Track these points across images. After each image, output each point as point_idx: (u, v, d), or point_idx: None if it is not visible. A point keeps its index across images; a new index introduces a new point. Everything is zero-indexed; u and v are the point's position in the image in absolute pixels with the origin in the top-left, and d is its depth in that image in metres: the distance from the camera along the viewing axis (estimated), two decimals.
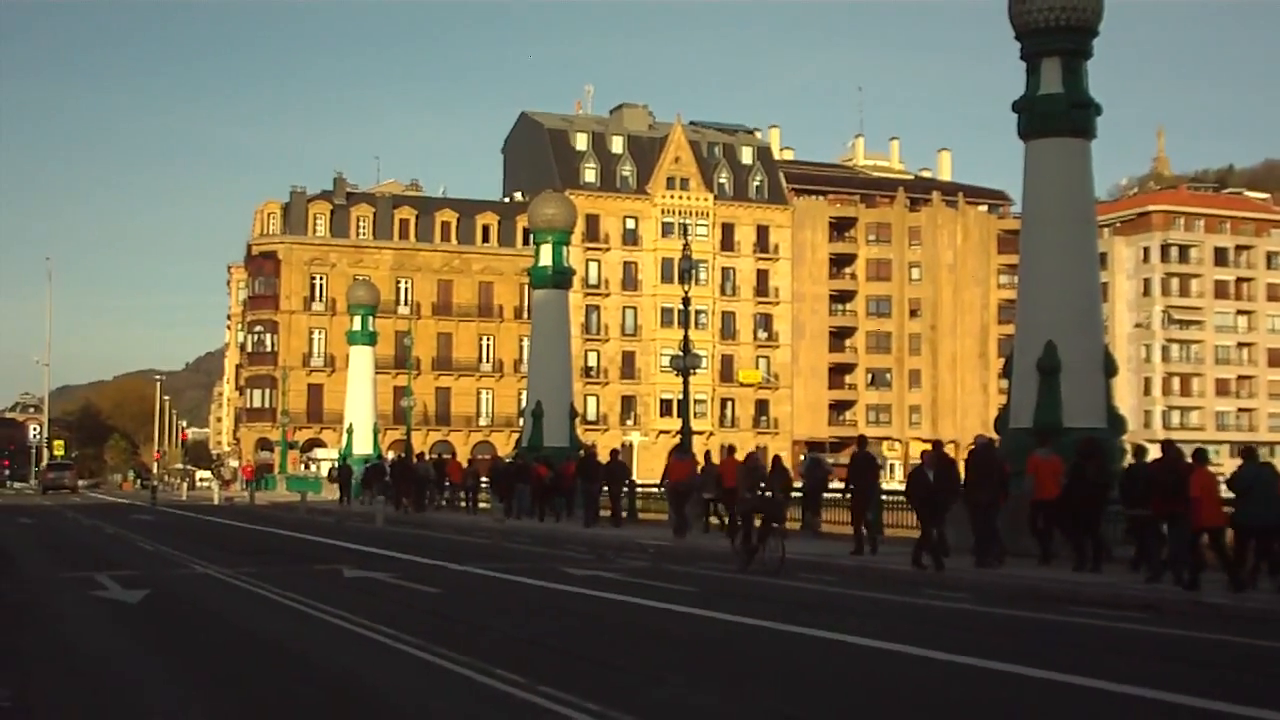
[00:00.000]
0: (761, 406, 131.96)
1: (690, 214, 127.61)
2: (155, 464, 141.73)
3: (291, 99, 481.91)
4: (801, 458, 37.66)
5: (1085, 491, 23.69)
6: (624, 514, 40.89)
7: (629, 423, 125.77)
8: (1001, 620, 18.39)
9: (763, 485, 27.06)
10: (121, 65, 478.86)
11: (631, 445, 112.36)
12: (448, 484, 55.04)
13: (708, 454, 38.23)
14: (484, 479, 52.74)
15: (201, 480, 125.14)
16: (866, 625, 17.10)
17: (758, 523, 26.04)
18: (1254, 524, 20.19)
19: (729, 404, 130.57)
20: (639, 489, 47.07)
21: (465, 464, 58.07)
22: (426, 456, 64.78)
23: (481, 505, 50.90)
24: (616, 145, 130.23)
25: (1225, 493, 21.27)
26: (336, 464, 74.99)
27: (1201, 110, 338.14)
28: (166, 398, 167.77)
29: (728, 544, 28.05)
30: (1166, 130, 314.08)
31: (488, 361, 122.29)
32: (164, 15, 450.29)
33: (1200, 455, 21.49)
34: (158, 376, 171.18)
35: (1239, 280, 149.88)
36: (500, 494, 46.42)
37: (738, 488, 25.01)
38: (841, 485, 31.35)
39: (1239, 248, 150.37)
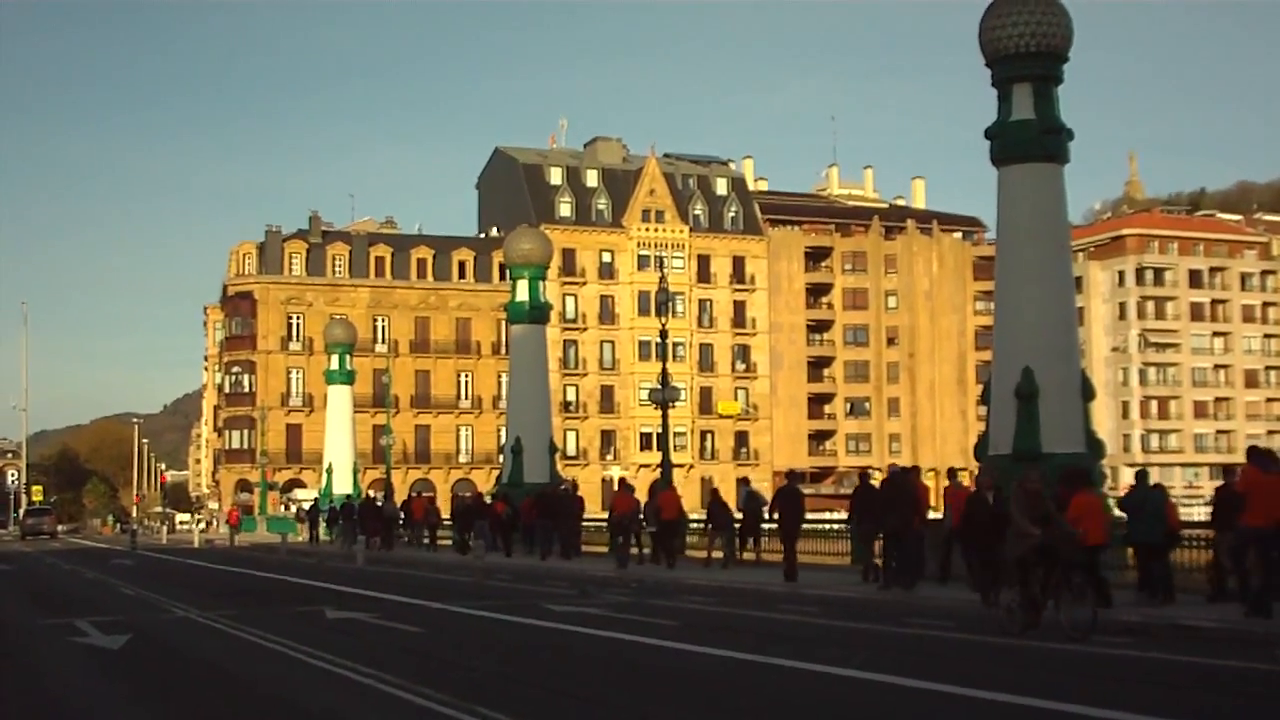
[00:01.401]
0: (741, 438, 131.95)
1: (666, 246, 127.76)
2: (134, 507, 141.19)
3: (265, 138, 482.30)
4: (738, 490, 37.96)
5: (986, 518, 23.80)
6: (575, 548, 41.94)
7: (609, 457, 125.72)
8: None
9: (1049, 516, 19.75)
10: (96, 107, 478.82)
11: (612, 480, 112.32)
12: (414, 522, 56.54)
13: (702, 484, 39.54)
14: (445, 518, 55.67)
15: (181, 523, 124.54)
16: (850, 657, 17.06)
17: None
18: (1144, 541, 22.13)
19: (709, 436, 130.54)
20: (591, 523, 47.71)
21: (428, 503, 60.04)
22: (409, 495, 65.86)
23: (443, 542, 53.30)
24: (591, 179, 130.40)
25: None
26: (303, 505, 77.05)
27: (1173, 133, 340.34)
28: (144, 441, 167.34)
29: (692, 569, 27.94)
30: (1139, 154, 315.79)
31: (466, 398, 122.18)
32: (137, 58, 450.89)
33: (1086, 477, 23.38)
34: (135, 419, 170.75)
35: (1214, 302, 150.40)
36: (461, 530, 49.33)
37: (1014, 519, 19.52)
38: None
39: (1213, 269, 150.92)
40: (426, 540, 54.25)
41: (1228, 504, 21.14)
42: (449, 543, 52.63)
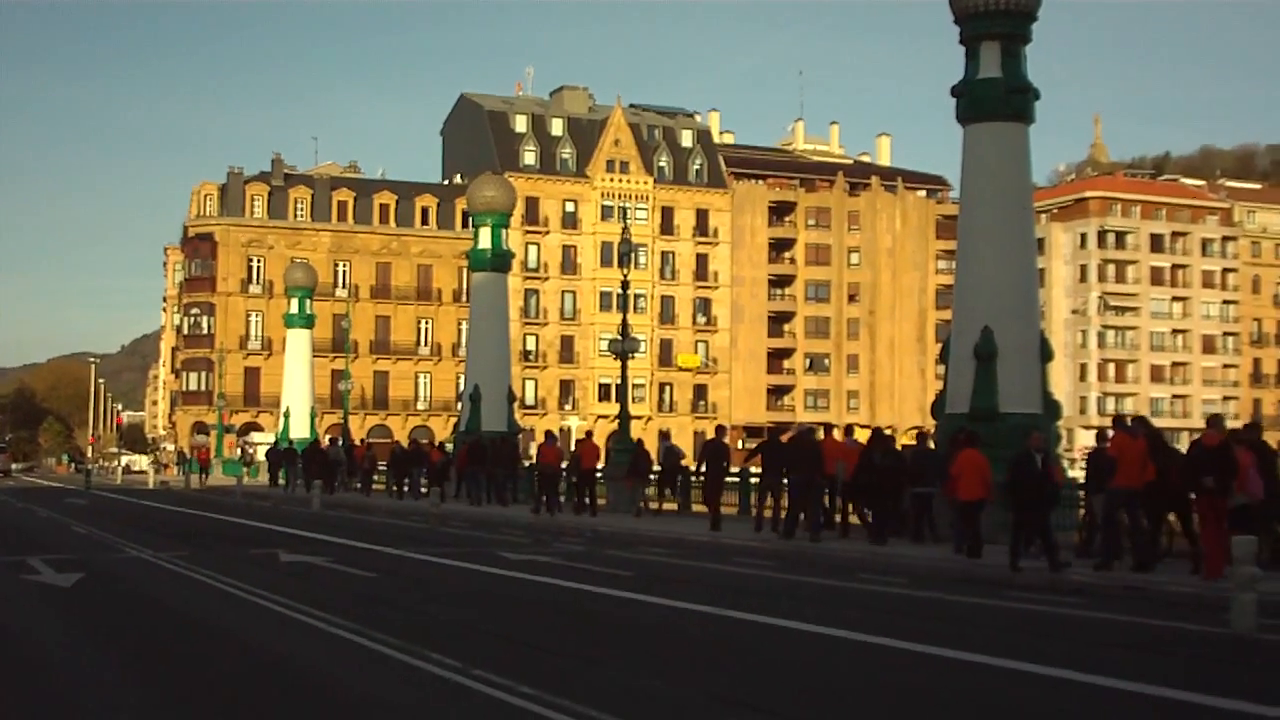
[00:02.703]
0: (700, 391, 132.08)
1: (630, 197, 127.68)
2: (90, 447, 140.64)
3: (229, 79, 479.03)
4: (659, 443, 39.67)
5: (872, 474, 27.05)
6: (512, 497, 43.44)
7: (568, 407, 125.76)
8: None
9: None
10: (55, 45, 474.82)
11: (570, 430, 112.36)
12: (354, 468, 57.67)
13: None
14: (381, 463, 56.94)
15: (136, 469, 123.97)
16: (804, 610, 17.13)
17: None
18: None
19: (668, 388, 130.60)
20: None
21: (366, 448, 61.37)
22: (357, 441, 66.39)
23: (376, 488, 55.18)
24: (556, 128, 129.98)
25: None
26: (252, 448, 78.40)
27: (1138, 97, 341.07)
28: (101, 381, 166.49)
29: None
30: (1104, 117, 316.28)
31: (426, 345, 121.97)
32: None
33: (970, 437, 24.78)
34: (92, 359, 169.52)
35: (1174, 267, 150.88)
36: (396, 477, 51.32)
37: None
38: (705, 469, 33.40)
39: (1174, 234, 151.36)
40: (359, 486, 55.65)
41: (1099, 467, 22.45)
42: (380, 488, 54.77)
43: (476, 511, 40.22)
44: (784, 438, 29.73)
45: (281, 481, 62.31)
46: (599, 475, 40.51)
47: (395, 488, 51.32)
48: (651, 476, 38.98)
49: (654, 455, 39.56)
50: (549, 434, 42.47)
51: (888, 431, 37.53)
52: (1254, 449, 20.69)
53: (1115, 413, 34.27)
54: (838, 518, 28.85)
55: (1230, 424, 22.87)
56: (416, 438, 57.26)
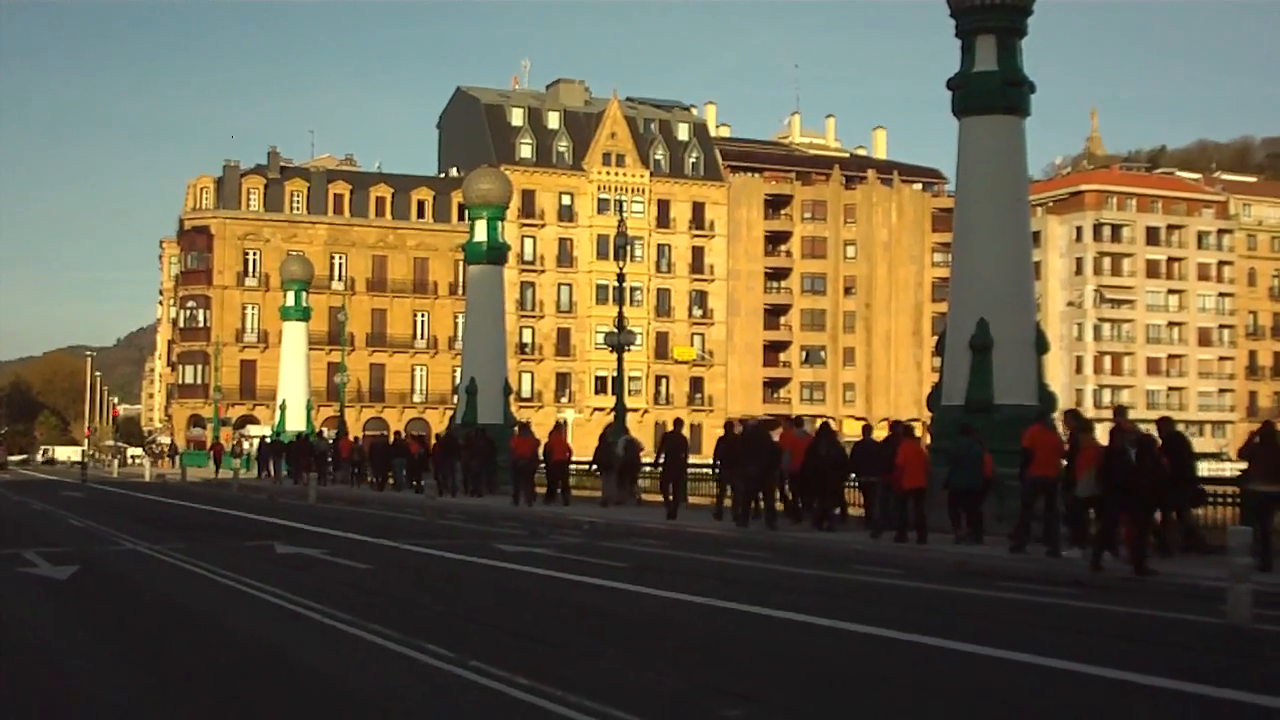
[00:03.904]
0: (696, 383, 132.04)
1: (626, 190, 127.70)
2: (86, 440, 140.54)
3: (225, 72, 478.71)
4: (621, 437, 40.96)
5: (818, 465, 28.02)
6: (486, 488, 44.36)
7: (564, 399, 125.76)
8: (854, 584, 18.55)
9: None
10: (51, 39, 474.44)
11: (566, 422, 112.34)
12: (341, 461, 58.93)
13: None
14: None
15: (134, 457, 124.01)
16: (798, 601, 17.14)
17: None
18: (960, 487, 24.52)
19: (664, 381, 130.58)
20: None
21: (354, 441, 63.16)
22: (338, 435, 67.09)
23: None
24: (553, 121, 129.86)
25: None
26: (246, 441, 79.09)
27: (1134, 91, 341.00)
28: (98, 374, 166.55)
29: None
30: (1100, 110, 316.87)
31: (422, 338, 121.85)
32: None
33: (909, 430, 26.66)
34: (88, 352, 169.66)
35: (1170, 260, 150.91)
36: (377, 469, 52.94)
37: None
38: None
39: (1170, 227, 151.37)
40: (352, 475, 56.50)
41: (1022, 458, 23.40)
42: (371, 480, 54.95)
43: (473, 504, 40.36)
44: (737, 431, 30.76)
45: (269, 473, 63.42)
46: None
47: (377, 479, 52.75)
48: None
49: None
50: (523, 426, 44.12)
51: (880, 424, 38.02)
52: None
53: (1115, 404, 34.27)
54: (781, 506, 29.88)
55: (1225, 416, 23.36)
56: (414, 431, 58.62)
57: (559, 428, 43.65)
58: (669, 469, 33.81)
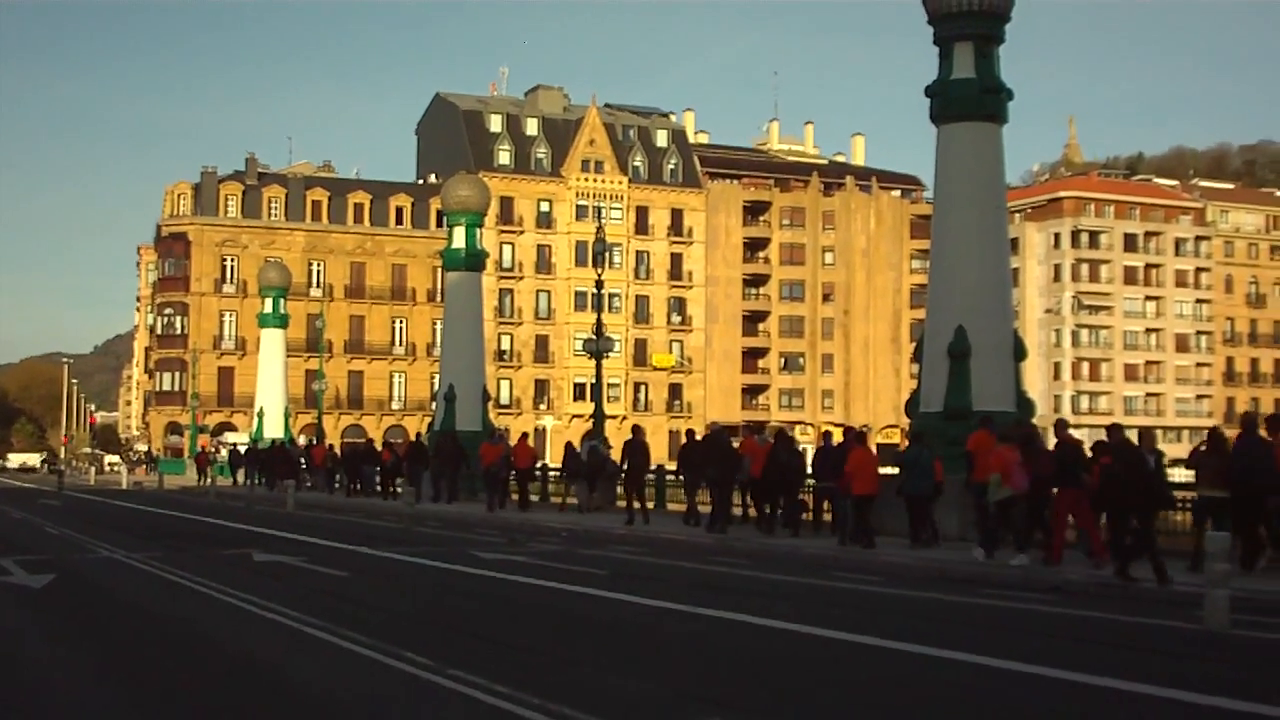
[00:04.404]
0: (675, 390, 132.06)
1: (604, 197, 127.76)
2: (63, 448, 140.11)
3: (203, 78, 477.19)
4: (583, 443, 42.19)
5: (778, 471, 28.77)
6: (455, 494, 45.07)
7: (542, 406, 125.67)
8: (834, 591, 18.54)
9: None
10: (27, 43, 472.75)
11: (545, 429, 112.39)
12: (315, 468, 59.83)
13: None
14: None
15: (111, 464, 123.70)
16: (773, 607, 17.14)
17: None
18: (912, 493, 25.18)
19: (642, 388, 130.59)
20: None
21: (328, 449, 63.48)
22: (311, 440, 67.86)
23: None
24: (531, 127, 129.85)
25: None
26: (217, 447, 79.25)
27: (1112, 98, 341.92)
28: (74, 381, 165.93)
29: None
30: (1078, 118, 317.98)
31: (400, 344, 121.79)
32: None
33: (860, 437, 27.80)
34: (65, 359, 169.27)
35: (1148, 266, 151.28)
36: (350, 475, 53.92)
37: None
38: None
39: (1148, 234, 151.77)
40: (308, 484, 57.50)
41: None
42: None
43: (451, 511, 40.44)
44: (699, 438, 32.17)
45: (241, 480, 64.25)
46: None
47: (351, 486, 53.36)
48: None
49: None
50: (493, 433, 45.23)
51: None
52: (1022, 445, 22.67)
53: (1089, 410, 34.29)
54: (748, 511, 30.92)
55: (1202, 422, 23.85)
56: (392, 438, 59.61)
57: (524, 437, 46.06)
58: (629, 476, 34.70)
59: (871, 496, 25.41)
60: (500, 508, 39.46)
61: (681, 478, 33.53)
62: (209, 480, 66.93)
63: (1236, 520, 20.13)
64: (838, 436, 28.07)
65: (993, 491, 22.14)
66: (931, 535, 25.22)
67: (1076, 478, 21.30)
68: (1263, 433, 20.80)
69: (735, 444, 31.65)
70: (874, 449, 25.91)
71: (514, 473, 41.47)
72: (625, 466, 34.93)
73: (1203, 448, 22.05)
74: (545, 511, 39.34)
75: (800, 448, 33.67)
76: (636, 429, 37.35)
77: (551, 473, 46.75)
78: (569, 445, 42.96)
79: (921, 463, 25.28)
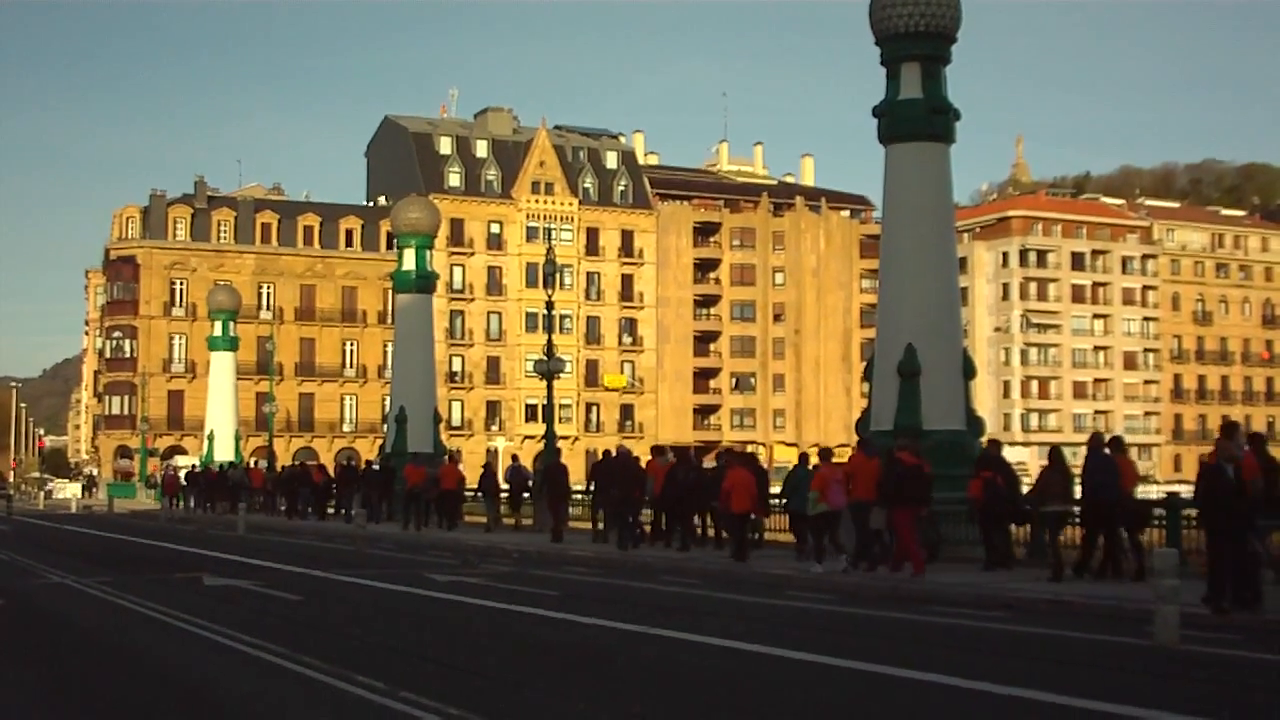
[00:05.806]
0: (626, 411, 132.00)
1: (555, 218, 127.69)
2: (11, 473, 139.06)
3: (150, 100, 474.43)
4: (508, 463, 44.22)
5: (676, 490, 30.24)
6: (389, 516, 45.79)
7: (494, 428, 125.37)
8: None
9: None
10: None
11: (496, 450, 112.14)
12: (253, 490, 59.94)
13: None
14: None
15: (59, 489, 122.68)
16: (730, 628, 17.17)
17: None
18: (793, 510, 26.41)
19: (594, 409, 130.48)
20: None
21: (266, 471, 64.90)
22: (252, 463, 68.16)
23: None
24: (481, 149, 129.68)
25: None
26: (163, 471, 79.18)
27: (1059, 118, 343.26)
28: (23, 405, 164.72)
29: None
30: (1025, 137, 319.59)
31: (351, 367, 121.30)
32: (22, 18, 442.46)
33: (741, 458, 29.54)
34: (13, 384, 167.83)
35: (1095, 285, 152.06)
36: (285, 497, 54.76)
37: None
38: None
39: (1095, 252, 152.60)
40: (244, 505, 57.18)
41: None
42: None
43: (405, 534, 40.59)
44: (606, 458, 34.02)
45: (191, 504, 64.21)
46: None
47: (289, 508, 53.74)
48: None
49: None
50: (416, 457, 47.29)
51: (810, 450, 38.81)
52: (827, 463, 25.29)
53: (1095, 431, 34.48)
54: (647, 528, 32.44)
55: (1151, 439, 25.27)
56: (343, 460, 60.59)
57: (451, 458, 47.47)
58: (550, 496, 36.83)
59: (747, 514, 27.20)
60: (419, 529, 41.30)
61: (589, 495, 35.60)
62: (179, 505, 65.63)
63: (1086, 531, 22.34)
64: (814, 458, 28.21)
65: (811, 506, 24.59)
66: (816, 550, 25.43)
67: (911, 498, 23.17)
68: (1107, 450, 22.60)
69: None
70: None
71: (438, 495, 42.36)
72: (592, 487, 35.33)
73: (1047, 465, 23.76)
74: (470, 531, 40.40)
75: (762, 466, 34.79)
76: (558, 451, 40.76)
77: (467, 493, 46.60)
78: (486, 466, 45.64)
79: (804, 482, 25.71)
